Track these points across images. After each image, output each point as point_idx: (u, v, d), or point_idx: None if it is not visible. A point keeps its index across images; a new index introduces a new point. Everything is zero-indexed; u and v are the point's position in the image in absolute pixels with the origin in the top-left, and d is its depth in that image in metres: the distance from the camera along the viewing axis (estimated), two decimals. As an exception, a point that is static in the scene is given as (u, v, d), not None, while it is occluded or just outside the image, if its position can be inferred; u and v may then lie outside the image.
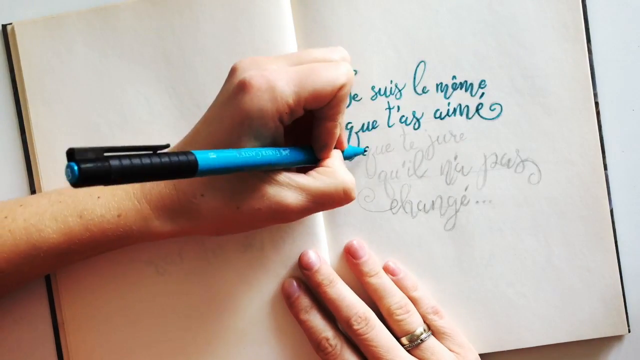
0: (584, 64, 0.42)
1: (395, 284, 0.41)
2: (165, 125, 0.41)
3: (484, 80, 0.42)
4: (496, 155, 0.42)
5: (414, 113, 0.42)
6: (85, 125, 0.42)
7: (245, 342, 0.41)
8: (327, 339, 0.39)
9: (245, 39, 0.41)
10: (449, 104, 0.42)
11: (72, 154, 0.24)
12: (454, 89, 0.42)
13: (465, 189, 0.42)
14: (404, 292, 0.41)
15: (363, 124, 0.42)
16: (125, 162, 0.24)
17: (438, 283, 0.42)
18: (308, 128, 0.37)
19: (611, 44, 0.43)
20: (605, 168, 0.42)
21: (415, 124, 0.42)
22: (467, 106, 0.42)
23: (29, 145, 0.42)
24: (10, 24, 0.42)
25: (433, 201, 0.42)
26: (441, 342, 0.40)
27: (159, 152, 0.26)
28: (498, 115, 0.42)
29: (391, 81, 0.42)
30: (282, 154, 0.34)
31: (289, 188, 0.34)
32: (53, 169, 0.42)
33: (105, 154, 0.24)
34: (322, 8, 0.42)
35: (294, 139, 0.37)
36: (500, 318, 0.42)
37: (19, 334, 0.42)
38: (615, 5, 0.43)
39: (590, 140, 0.42)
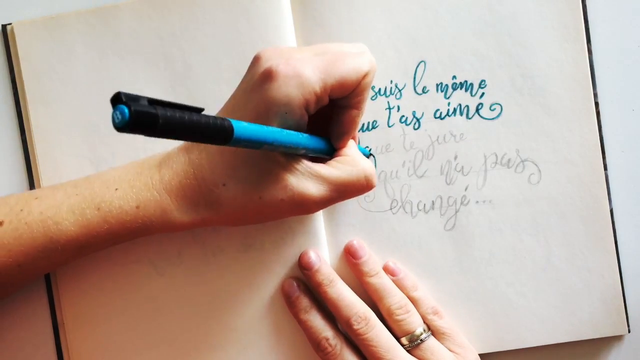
0: (584, 64, 0.42)
1: (395, 284, 0.41)
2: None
3: (484, 80, 0.42)
4: (496, 155, 0.42)
5: (414, 113, 0.42)
6: (85, 125, 0.42)
7: (245, 342, 0.41)
8: (327, 339, 0.39)
9: (245, 39, 0.41)
10: (449, 104, 0.42)
11: (118, 98, 0.22)
12: (454, 89, 0.42)
13: (465, 189, 0.42)
14: (404, 292, 0.41)
15: (363, 124, 0.42)
16: (172, 113, 0.23)
17: (438, 283, 0.42)
18: (320, 122, 0.37)
19: (611, 44, 0.43)
20: (605, 168, 0.42)
21: (415, 124, 0.42)
22: (467, 106, 0.42)
23: (29, 145, 0.42)
24: (10, 24, 0.42)
25: (433, 201, 0.42)
26: (441, 342, 0.40)
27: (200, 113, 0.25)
28: (498, 115, 0.42)
29: (391, 81, 0.42)
30: (303, 136, 0.34)
31: (310, 178, 0.34)
32: (53, 169, 0.42)
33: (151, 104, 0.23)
34: (322, 8, 0.42)
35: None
36: (500, 318, 0.42)
37: (19, 333, 0.42)
38: (615, 5, 0.43)
39: (590, 140, 0.42)
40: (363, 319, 0.39)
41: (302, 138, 0.33)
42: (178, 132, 0.24)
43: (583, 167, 0.42)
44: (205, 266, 0.42)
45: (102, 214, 0.35)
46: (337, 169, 0.35)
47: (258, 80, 0.33)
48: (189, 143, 0.36)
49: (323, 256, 0.41)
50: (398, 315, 0.39)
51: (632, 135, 0.43)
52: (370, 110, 0.42)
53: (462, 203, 0.42)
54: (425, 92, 0.42)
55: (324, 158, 0.37)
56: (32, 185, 0.42)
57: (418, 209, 0.42)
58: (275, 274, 0.41)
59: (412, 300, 0.41)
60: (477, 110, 0.42)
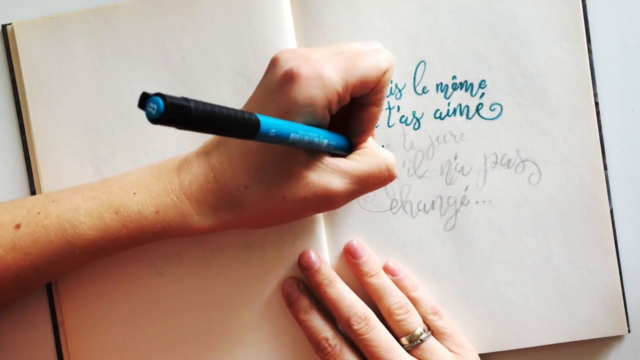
0: (584, 64, 0.42)
1: (395, 284, 0.41)
2: (164, 125, 0.41)
3: (484, 80, 0.42)
4: (496, 155, 0.42)
5: (414, 113, 0.42)
6: (85, 126, 0.42)
7: (245, 342, 0.42)
8: (327, 339, 0.39)
9: (245, 39, 0.41)
10: (449, 104, 0.42)
11: (146, 97, 0.23)
12: (454, 89, 0.42)
13: (465, 189, 0.42)
14: (404, 292, 0.41)
15: (363, 124, 0.42)
16: (204, 106, 0.24)
17: (438, 283, 0.42)
18: (338, 120, 0.36)
19: (611, 44, 0.43)
20: (605, 168, 0.42)
21: (415, 124, 0.42)
22: (467, 106, 0.42)
23: (29, 145, 0.42)
24: (10, 24, 0.42)
25: (433, 201, 0.42)
26: (441, 343, 0.40)
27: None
28: (498, 115, 0.42)
29: (391, 81, 0.42)
30: (324, 133, 0.34)
31: (332, 173, 0.34)
32: (53, 169, 0.42)
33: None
34: (322, 8, 0.42)
35: None
36: (500, 318, 0.42)
37: (19, 334, 0.42)
38: (615, 5, 0.43)
39: (590, 140, 0.42)
40: (363, 319, 0.39)
41: (324, 133, 0.34)
42: (209, 124, 0.24)
43: (583, 167, 0.42)
44: (205, 266, 0.42)
45: (120, 218, 0.35)
46: (358, 161, 0.35)
47: (279, 82, 0.33)
48: (207, 147, 0.36)
49: (323, 256, 0.41)
50: (398, 315, 0.39)
51: (632, 135, 0.43)
52: (370, 110, 0.42)
53: (462, 203, 0.42)
54: (425, 92, 0.42)
55: (342, 154, 0.37)
56: (32, 185, 0.42)
57: (418, 209, 0.42)
58: (275, 274, 0.41)
59: (412, 300, 0.41)
60: (477, 110, 0.42)
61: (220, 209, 0.35)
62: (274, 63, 0.34)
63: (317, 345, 0.39)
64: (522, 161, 0.42)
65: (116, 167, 0.42)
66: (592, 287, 0.42)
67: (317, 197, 0.34)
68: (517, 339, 0.42)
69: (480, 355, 0.41)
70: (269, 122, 0.28)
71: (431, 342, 0.39)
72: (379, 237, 0.42)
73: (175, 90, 0.41)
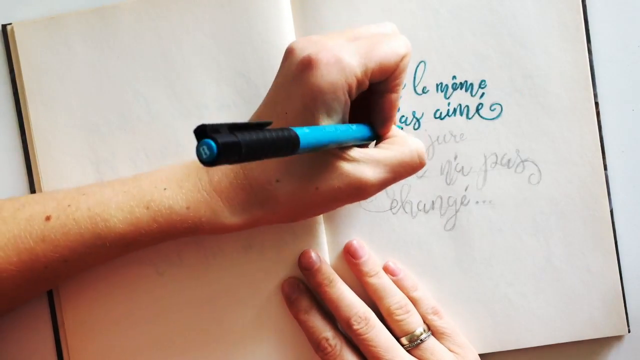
0: (584, 64, 0.42)
1: (395, 284, 0.41)
2: (164, 126, 0.41)
3: (484, 80, 0.42)
4: (496, 156, 0.42)
5: (414, 113, 0.42)
6: (85, 126, 0.42)
7: (245, 342, 0.41)
8: (327, 339, 0.39)
9: (245, 39, 0.41)
10: (449, 104, 0.42)
11: (203, 131, 0.22)
12: (454, 89, 0.42)
13: (465, 189, 0.42)
14: (403, 292, 0.41)
15: (363, 124, 0.42)
16: (250, 137, 0.23)
17: (438, 283, 0.42)
18: (355, 110, 0.36)
19: (611, 44, 0.43)
20: (605, 168, 0.42)
21: (415, 124, 0.42)
22: (467, 106, 0.42)
23: (29, 145, 0.42)
24: (10, 24, 0.42)
25: (433, 201, 0.42)
26: (441, 342, 0.40)
27: (265, 128, 0.25)
28: (498, 115, 0.42)
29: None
30: (353, 129, 0.33)
31: (365, 163, 0.34)
32: (53, 169, 0.42)
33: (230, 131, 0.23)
34: (322, 8, 0.42)
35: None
36: (500, 318, 0.42)
37: (19, 334, 0.42)
38: (615, 5, 0.43)
39: (590, 140, 0.42)
40: (363, 319, 0.39)
41: (355, 131, 0.33)
42: (257, 154, 0.24)
43: (583, 167, 0.42)
44: (205, 266, 0.41)
45: (151, 213, 0.35)
46: (390, 150, 0.35)
47: (297, 70, 0.33)
48: None
49: (323, 256, 0.41)
50: (398, 315, 0.39)
51: (632, 135, 0.43)
52: (370, 110, 0.42)
53: (462, 203, 0.42)
54: (425, 92, 0.42)
55: (365, 145, 0.36)
56: (32, 185, 0.42)
57: (418, 209, 0.42)
58: (275, 274, 0.41)
59: (412, 300, 0.41)
60: (477, 110, 0.42)
61: (252, 204, 0.35)
62: (289, 53, 0.34)
63: (317, 345, 0.39)
64: (522, 161, 0.42)
65: (116, 167, 0.42)
66: (592, 287, 0.42)
67: (350, 187, 0.34)
68: (517, 339, 0.42)
69: (480, 355, 0.41)
70: (307, 136, 0.27)
71: (431, 342, 0.39)
72: (379, 237, 0.42)
73: (175, 90, 0.41)
